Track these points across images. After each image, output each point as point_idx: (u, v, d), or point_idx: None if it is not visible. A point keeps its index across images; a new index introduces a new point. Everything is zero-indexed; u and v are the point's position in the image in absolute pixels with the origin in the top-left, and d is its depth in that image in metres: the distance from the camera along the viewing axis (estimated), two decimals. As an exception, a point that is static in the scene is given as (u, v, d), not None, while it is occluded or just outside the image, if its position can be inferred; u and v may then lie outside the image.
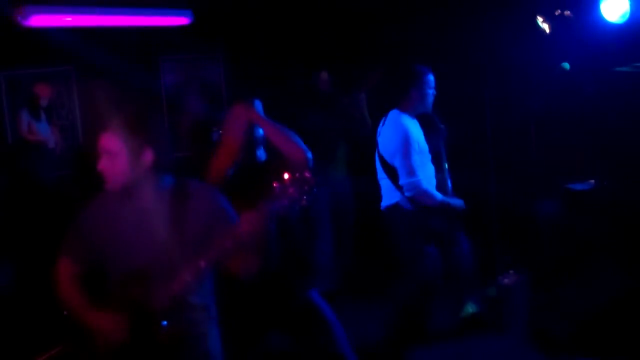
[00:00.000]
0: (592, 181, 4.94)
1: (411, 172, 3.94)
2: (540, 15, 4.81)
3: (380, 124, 4.23)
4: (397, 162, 4.00)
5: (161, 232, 2.35)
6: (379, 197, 4.57)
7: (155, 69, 7.42)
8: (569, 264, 4.74)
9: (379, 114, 4.29)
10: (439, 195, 4.04)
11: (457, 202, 4.16)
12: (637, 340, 3.81)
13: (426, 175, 4.05)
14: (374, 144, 5.61)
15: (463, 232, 4.31)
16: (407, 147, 3.95)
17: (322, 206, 5.51)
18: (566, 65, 4.78)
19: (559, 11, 4.72)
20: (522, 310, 4.62)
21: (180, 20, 5.37)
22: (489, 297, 4.89)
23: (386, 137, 4.12)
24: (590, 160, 5.04)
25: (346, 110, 5.58)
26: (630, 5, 4.33)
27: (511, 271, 4.90)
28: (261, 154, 3.17)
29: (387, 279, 5.53)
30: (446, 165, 4.27)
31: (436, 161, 4.21)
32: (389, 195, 4.15)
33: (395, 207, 4.10)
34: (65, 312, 2.47)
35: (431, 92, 4.10)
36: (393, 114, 4.13)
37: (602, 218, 4.60)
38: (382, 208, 4.23)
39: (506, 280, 4.86)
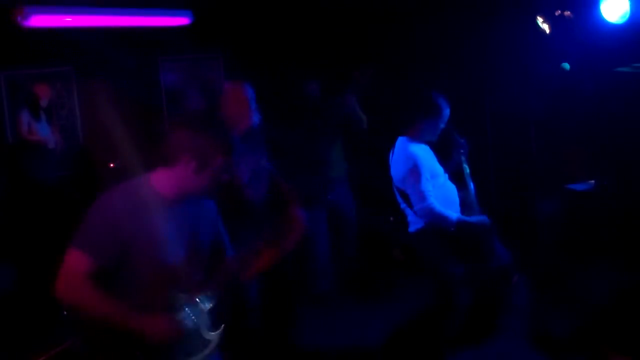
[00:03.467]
0: (592, 181, 4.94)
1: (422, 198, 3.94)
2: (540, 16, 4.81)
3: (390, 154, 4.22)
4: (408, 190, 4.02)
5: (199, 235, 2.39)
6: (379, 197, 4.57)
7: (155, 69, 7.42)
8: (569, 263, 4.75)
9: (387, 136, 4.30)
10: (453, 216, 4.00)
11: (479, 219, 4.10)
12: (637, 340, 3.81)
13: (443, 197, 4.04)
14: (372, 139, 5.60)
15: (497, 248, 4.26)
16: (417, 175, 3.96)
17: (318, 209, 5.51)
18: (566, 65, 4.79)
19: (559, 11, 4.72)
20: (522, 310, 4.62)
21: (180, 20, 5.37)
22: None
23: (396, 166, 4.14)
24: (590, 160, 5.04)
25: (339, 111, 5.58)
26: (630, 5, 4.34)
27: (511, 271, 4.91)
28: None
29: (388, 281, 5.54)
30: (471, 184, 4.25)
31: (459, 179, 4.24)
32: (414, 220, 4.16)
33: (422, 231, 4.11)
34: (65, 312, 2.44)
35: (442, 126, 4.11)
36: (401, 142, 4.13)
37: (602, 218, 4.61)
38: (410, 232, 4.22)
39: (506, 280, 4.86)
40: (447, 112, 4.07)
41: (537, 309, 4.50)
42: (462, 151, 4.29)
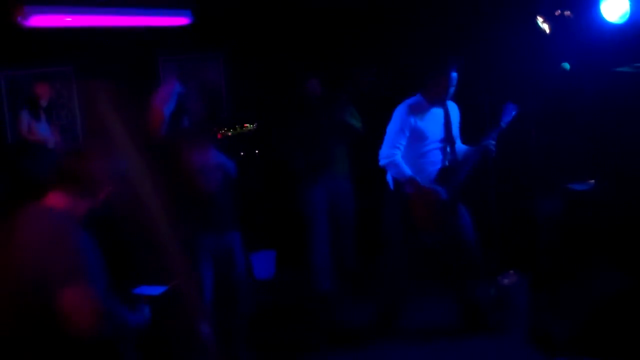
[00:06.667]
0: (592, 181, 4.94)
1: (388, 144, 4.25)
2: (540, 15, 4.81)
3: None
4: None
5: None
6: (378, 197, 4.57)
7: (155, 69, 7.41)
8: (569, 264, 4.74)
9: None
10: (408, 171, 4.20)
11: (433, 186, 4.23)
12: (637, 340, 3.81)
13: (417, 160, 4.25)
14: (368, 145, 5.65)
15: (458, 225, 4.33)
16: (394, 125, 4.26)
17: (319, 206, 5.51)
18: (566, 65, 4.78)
19: (559, 11, 4.72)
20: (522, 310, 4.62)
21: (180, 20, 5.36)
22: (489, 297, 4.89)
23: None
24: (590, 160, 5.04)
25: (339, 113, 5.58)
26: (630, 5, 4.33)
27: (511, 271, 4.90)
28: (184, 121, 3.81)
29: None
30: (466, 169, 4.38)
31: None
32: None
33: (387, 194, 4.38)
34: None
35: (450, 90, 4.28)
36: (411, 98, 4.35)
37: (602, 218, 4.60)
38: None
39: (506, 280, 4.86)
40: (453, 74, 4.24)
41: (537, 309, 4.50)
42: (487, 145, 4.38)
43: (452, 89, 4.28)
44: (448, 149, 4.36)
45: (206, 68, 7.73)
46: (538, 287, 4.71)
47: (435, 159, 4.31)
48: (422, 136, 4.26)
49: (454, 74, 4.25)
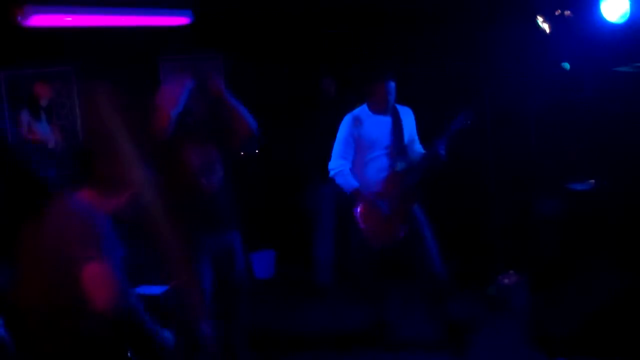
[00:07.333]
0: (592, 181, 4.94)
1: (337, 155, 4.31)
2: (540, 15, 4.81)
3: None
4: None
5: None
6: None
7: (155, 69, 7.41)
8: (569, 264, 4.75)
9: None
10: (355, 183, 4.24)
11: (375, 202, 4.22)
12: (637, 340, 3.81)
13: (364, 168, 4.28)
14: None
15: (412, 229, 4.27)
16: (339, 136, 4.33)
17: (326, 203, 5.52)
18: (566, 65, 4.79)
19: (559, 11, 4.72)
20: (522, 310, 4.62)
21: (180, 20, 5.36)
22: (489, 297, 4.90)
23: None
24: (590, 160, 5.04)
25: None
26: (630, 5, 4.33)
27: (511, 271, 4.91)
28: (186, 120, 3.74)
29: (390, 276, 5.53)
30: (417, 175, 4.33)
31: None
32: None
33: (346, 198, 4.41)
34: None
35: (389, 98, 4.29)
36: (357, 109, 4.41)
37: (602, 218, 4.61)
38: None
39: (506, 280, 4.86)
40: (390, 83, 4.26)
41: (537, 309, 4.50)
42: (434, 153, 4.30)
43: (391, 98, 4.27)
44: (397, 156, 4.32)
45: (206, 68, 7.73)
46: (538, 287, 4.71)
47: (381, 166, 4.27)
48: (367, 144, 4.26)
49: (391, 83, 4.25)
